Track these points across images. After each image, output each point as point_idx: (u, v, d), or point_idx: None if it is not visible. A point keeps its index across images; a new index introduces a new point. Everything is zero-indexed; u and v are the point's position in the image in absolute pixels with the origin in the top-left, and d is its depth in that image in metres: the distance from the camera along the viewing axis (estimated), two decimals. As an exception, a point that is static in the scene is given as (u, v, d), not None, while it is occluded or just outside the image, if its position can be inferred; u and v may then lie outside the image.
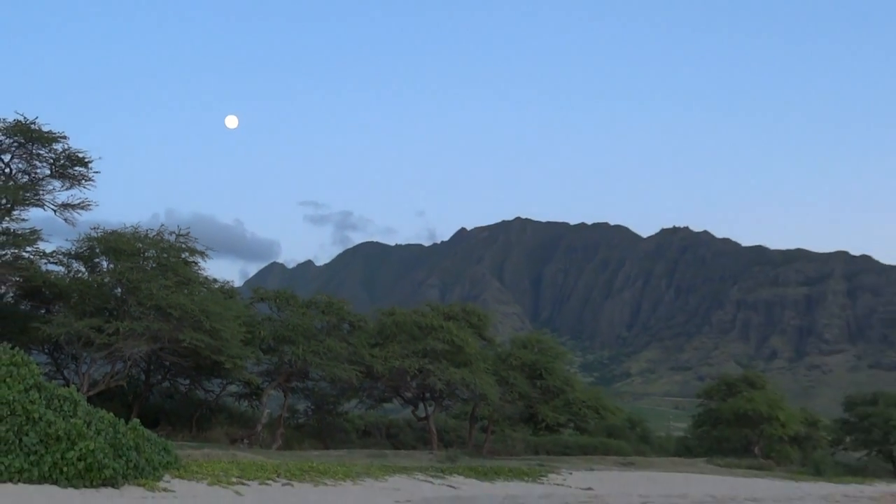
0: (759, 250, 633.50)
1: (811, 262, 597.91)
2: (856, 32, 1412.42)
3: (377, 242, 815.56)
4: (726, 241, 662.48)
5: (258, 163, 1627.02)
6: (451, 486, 28.30)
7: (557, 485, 33.09)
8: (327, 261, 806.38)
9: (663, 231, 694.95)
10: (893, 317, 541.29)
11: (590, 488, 32.75)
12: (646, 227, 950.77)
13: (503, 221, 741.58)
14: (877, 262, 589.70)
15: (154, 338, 38.19)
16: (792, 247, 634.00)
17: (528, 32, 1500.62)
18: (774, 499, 32.91)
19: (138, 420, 21.88)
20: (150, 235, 41.25)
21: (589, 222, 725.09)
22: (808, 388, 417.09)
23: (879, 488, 51.26)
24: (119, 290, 39.67)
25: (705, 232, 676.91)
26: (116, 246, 39.17)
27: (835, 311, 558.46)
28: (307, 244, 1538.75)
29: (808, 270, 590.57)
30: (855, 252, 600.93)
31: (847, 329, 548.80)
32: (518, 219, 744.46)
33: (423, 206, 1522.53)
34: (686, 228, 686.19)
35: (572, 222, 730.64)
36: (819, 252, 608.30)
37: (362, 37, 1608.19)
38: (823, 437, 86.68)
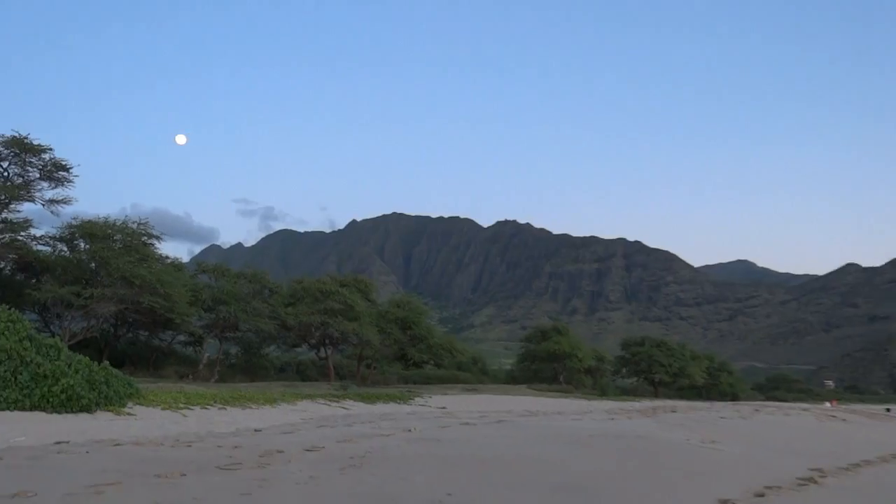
0: (565, 237, 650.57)
1: (600, 245, 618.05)
2: (645, 35, 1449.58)
3: (291, 230, 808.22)
4: (542, 229, 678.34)
5: (203, 168, 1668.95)
6: (343, 408, 28.13)
7: (421, 405, 33.13)
8: (253, 243, 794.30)
9: (498, 223, 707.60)
10: (655, 284, 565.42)
11: (444, 407, 32.88)
12: (486, 219, 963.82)
13: (383, 214, 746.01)
14: (645, 246, 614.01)
15: (120, 300, 38.09)
16: (588, 234, 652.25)
17: (390, 48, 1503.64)
18: (573, 411, 33.54)
19: (108, 362, 21.41)
20: (118, 223, 40.85)
21: (445, 216, 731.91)
22: (598, 334, 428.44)
23: (644, 403, 52.83)
24: (93, 264, 39.16)
25: (528, 223, 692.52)
26: (91, 231, 38.84)
27: (616, 281, 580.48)
28: (239, 230, 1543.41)
29: (599, 251, 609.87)
30: (630, 238, 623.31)
31: (625, 293, 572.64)
32: (394, 213, 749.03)
33: (325, 202, 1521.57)
34: (514, 221, 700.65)
35: (433, 215, 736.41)
36: (606, 238, 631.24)
37: (274, 76, 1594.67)
38: (607, 369, 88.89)
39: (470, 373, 76.98)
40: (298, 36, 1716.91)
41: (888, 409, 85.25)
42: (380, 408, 29.85)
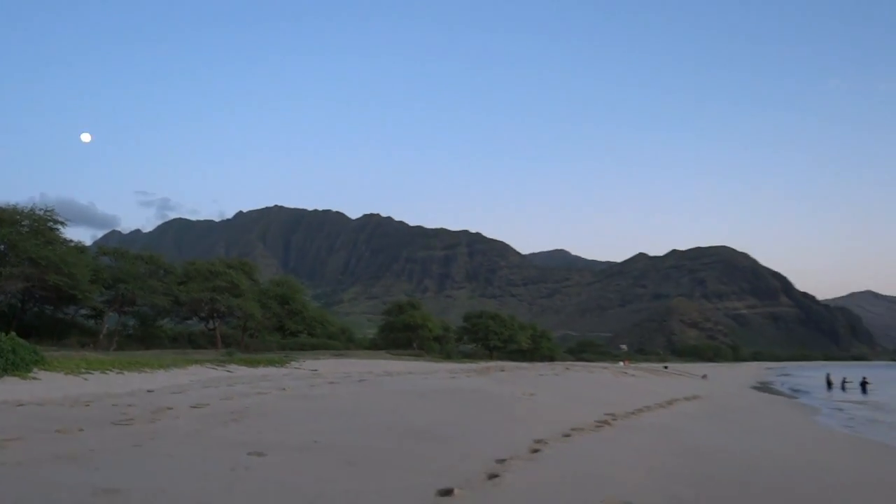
0: (419, 228, 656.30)
1: (448, 235, 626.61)
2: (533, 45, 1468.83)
3: (185, 218, 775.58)
4: (401, 222, 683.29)
5: (107, 162, 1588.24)
6: (228, 371, 27.42)
7: (295, 368, 32.71)
8: (151, 230, 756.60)
9: (364, 215, 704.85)
10: (492, 268, 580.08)
11: (315, 370, 32.58)
12: (354, 212, 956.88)
13: (266, 207, 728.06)
14: (484, 236, 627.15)
15: (27, 279, 35.72)
16: (438, 226, 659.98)
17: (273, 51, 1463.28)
18: (423, 372, 34.00)
19: (14, 333, 20.04)
20: (26, 211, 38.23)
21: (320, 208, 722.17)
22: (445, 309, 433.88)
23: (480, 365, 54.10)
24: (2, 247, 36.51)
25: (389, 217, 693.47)
26: (0, 217, 36.11)
27: (461, 265, 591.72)
28: (138, 218, 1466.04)
29: (447, 240, 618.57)
30: (473, 230, 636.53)
31: (467, 275, 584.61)
32: (276, 205, 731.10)
33: (215, 194, 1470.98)
34: (378, 214, 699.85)
35: (309, 208, 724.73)
36: (453, 230, 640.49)
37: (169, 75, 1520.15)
38: (452, 337, 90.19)
39: (338, 341, 76.26)
40: (191, 32, 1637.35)
41: (665, 366, 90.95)
42: (260, 371, 29.29)
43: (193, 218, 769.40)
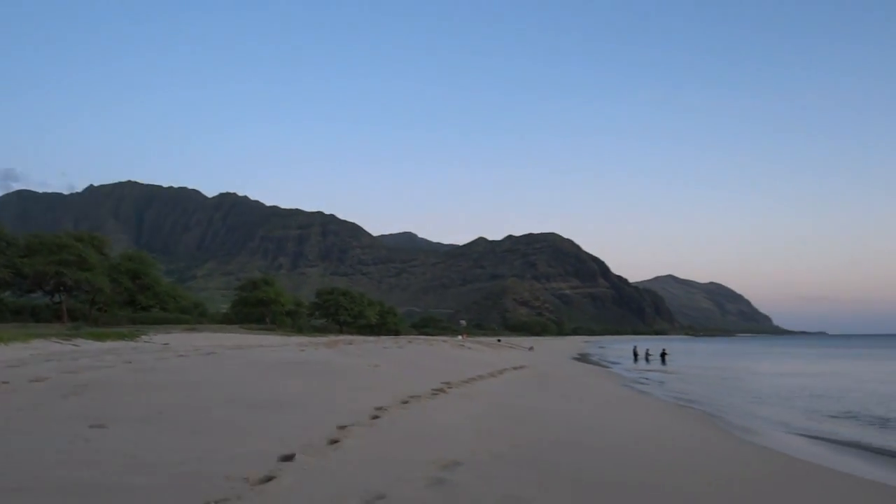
0: (275, 208, 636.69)
1: (303, 216, 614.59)
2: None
3: (31, 190, 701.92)
4: (257, 201, 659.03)
5: None
6: (74, 345, 25.43)
7: (146, 342, 30.94)
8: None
9: (221, 194, 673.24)
10: (344, 248, 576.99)
11: (166, 343, 31.00)
12: (210, 190, 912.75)
13: (119, 182, 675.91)
14: (337, 217, 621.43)
15: None
16: (293, 206, 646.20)
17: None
18: (274, 345, 33.24)
19: None
20: None
21: (175, 185, 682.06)
22: (298, 286, 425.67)
23: (330, 338, 53.71)
24: None
25: (245, 196, 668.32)
26: None
27: (314, 244, 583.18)
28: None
29: (301, 220, 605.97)
30: (327, 211, 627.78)
31: (320, 254, 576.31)
32: (129, 180, 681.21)
33: (64, 167, 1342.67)
34: (235, 193, 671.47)
35: (164, 184, 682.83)
36: (308, 210, 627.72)
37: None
38: (304, 312, 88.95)
39: (191, 316, 73.01)
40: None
41: (499, 340, 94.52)
42: (108, 345, 27.41)
43: (40, 190, 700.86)
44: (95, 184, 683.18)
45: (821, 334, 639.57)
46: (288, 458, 6.79)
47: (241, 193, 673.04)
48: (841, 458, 11.83)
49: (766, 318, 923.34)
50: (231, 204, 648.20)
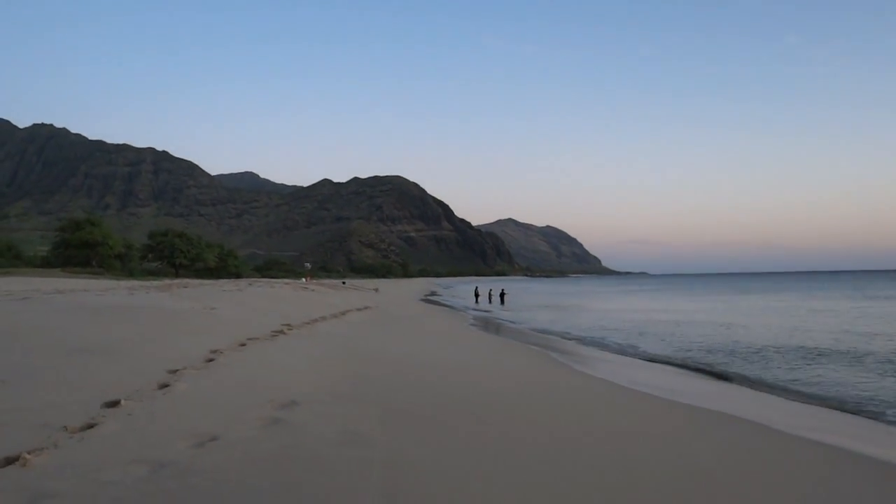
0: (100, 142, 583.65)
1: (132, 152, 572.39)
2: None
3: None
4: (79, 134, 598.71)
5: None
6: None
7: (-53, 288, 27.83)
8: None
9: (35, 124, 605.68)
10: (179, 187, 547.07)
11: (-28, 289, 28.01)
12: (22, 120, 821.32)
13: None
14: (171, 154, 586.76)
15: None
16: (121, 141, 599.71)
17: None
18: (103, 289, 30.94)
19: None
20: None
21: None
22: (129, 227, 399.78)
23: (165, 282, 51.10)
24: None
25: (65, 128, 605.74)
26: None
27: (146, 183, 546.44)
28: None
29: (130, 157, 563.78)
30: (159, 148, 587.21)
31: (153, 193, 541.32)
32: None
33: None
34: (51, 124, 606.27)
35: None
36: (138, 146, 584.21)
37: None
38: (136, 255, 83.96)
39: (4, 259, 66.41)
40: None
41: (344, 282, 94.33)
42: None
43: None
44: None
45: (642, 274, 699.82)
46: (113, 404, 6.46)
47: (58, 125, 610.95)
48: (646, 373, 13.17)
49: (597, 260, 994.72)
50: (47, 136, 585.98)
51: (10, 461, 4.71)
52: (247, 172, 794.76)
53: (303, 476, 4.80)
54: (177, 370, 8.48)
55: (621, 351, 20.06)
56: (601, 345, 21.79)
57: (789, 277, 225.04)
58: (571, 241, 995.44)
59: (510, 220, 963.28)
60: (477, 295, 61.56)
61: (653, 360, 17.85)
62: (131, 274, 69.01)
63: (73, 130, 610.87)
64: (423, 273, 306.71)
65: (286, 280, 73.01)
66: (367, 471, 5.02)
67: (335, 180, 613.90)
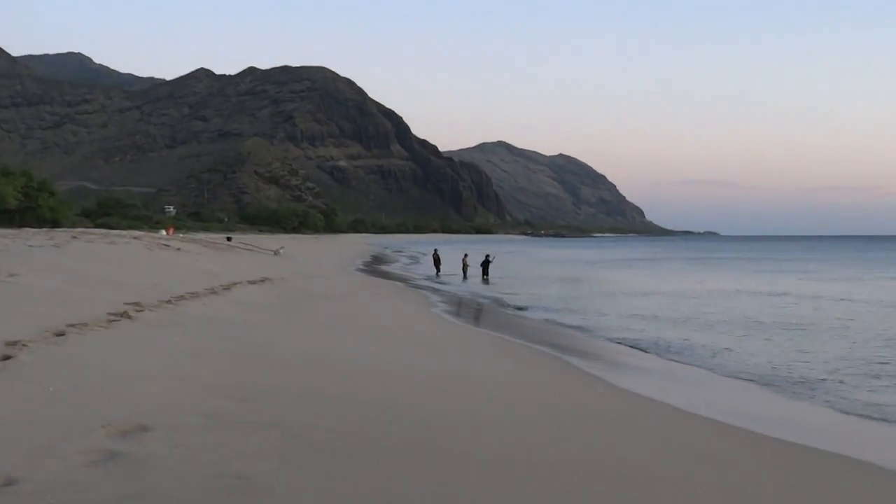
0: None
1: None
2: None
3: None
4: None
5: None
6: None
7: None
8: None
9: None
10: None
11: None
12: None
13: None
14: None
15: None
16: None
17: None
18: None
19: None
20: None
21: None
22: None
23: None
24: None
25: None
26: None
27: None
28: None
29: None
30: None
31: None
32: None
33: None
34: None
35: None
36: None
37: None
38: None
39: None
40: None
41: (229, 238, 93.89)
42: None
43: None
44: None
45: (709, 235, 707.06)
46: None
47: None
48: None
49: (638, 211, 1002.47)
50: None
51: None
52: (72, 54, 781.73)
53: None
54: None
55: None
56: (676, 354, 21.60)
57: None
58: (598, 181, 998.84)
59: (501, 144, 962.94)
60: (437, 262, 60.74)
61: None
62: None
63: None
64: (358, 226, 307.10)
65: (135, 233, 72.50)
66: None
67: (218, 72, 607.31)
